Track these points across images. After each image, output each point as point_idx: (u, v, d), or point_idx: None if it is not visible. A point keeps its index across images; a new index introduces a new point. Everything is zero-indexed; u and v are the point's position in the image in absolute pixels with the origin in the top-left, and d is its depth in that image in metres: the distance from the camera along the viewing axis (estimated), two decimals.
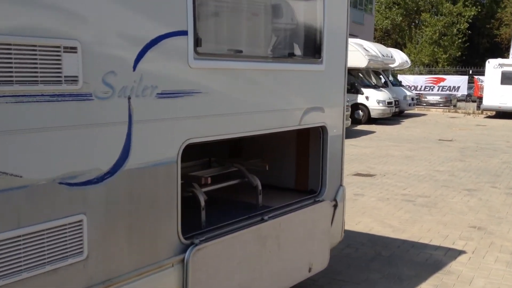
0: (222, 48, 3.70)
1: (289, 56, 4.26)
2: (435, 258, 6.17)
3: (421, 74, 40.53)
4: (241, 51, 3.74)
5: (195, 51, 3.35)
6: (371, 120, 22.09)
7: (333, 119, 4.83)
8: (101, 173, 2.86)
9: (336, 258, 6.01)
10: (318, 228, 4.62)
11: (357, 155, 13.78)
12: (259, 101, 3.92)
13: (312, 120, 4.54)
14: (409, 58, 31.19)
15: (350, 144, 15.62)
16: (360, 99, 22.06)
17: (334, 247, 5.22)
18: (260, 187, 4.40)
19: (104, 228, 2.90)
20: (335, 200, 4.96)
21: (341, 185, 5.05)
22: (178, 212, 3.35)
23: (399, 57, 27.23)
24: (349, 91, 21.97)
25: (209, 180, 3.89)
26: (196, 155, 4.72)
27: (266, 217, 4.08)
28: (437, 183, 10.50)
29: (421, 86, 34.02)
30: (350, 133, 18.18)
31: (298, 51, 4.41)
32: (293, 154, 5.10)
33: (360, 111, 22.03)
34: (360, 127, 20.64)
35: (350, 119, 18.19)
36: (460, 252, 6.38)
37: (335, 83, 4.81)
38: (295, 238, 4.35)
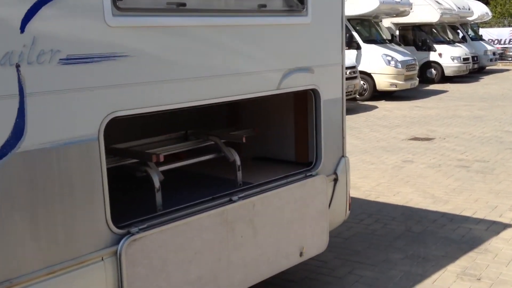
0: (156, 1, 3.12)
1: (259, 7, 3.61)
2: (474, 234, 5.37)
3: (510, 26, 37.53)
4: (184, 4, 3.15)
5: (114, 6, 2.81)
6: (446, 79, 20.62)
7: (327, 81, 4.16)
8: None
9: (358, 236, 5.40)
10: (310, 206, 4.01)
11: (419, 118, 12.76)
12: (213, 63, 3.33)
13: (296, 83, 3.90)
14: (496, 10, 28.56)
15: (415, 106, 14.57)
16: (433, 56, 20.61)
17: (341, 226, 4.61)
18: (238, 162, 3.84)
19: None
20: (335, 173, 4.31)
21: (343, 156, 4.39)
22: (105, 197, 2.87)
23: (478, 9, 25.20)
24: (419, 48, 20.63)
25: (162, 158, 3.38)
26: (186, 127, 4.23)
27: (235, 198, 3.54)
28: (502, 145, 9.43)
29: (506, 40, 31.46)
30: (417, 94, 17.02)
31: (272, 1, 3.75)
32: (292, 123, 4.49)
33: (432, 69, 20.60)
34: (431, 87, 19.30)
35: (417, 79, 16.96)
36: (505, 227, 5.53)
37: (327, 39, 4.12)
38: (277, 219, 3.77)
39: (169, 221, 3.16)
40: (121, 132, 3.74)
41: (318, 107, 4.13)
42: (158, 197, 3.33)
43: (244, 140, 3.97)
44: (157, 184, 3.34)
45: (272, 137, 4.60)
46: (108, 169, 3.58)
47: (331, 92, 4.20)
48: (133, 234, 2.96)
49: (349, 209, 4.49)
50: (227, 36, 3.41)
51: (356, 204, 6.28)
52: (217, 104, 3.44)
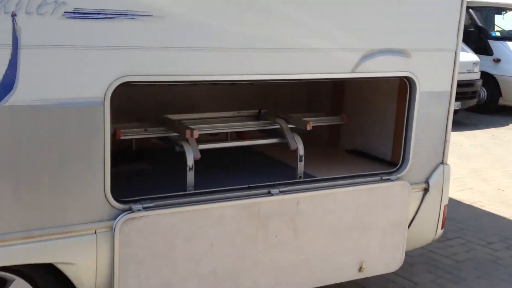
0: None
1: None
2: None
3: None
4: None
5: None
6: None
7: (430, 70, 3.41)
8: None
9: (474, 261, 4.57)
10: (380, 216, 3.37)
11: None
12: (263, 34, 2.85)
13: (381, 68, 3.23)
14: None
15: None
16: None
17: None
18: (301, 152, 3.34)
19: None
20: (426, 182, 3.57)
21: (442, 163, 3.61)
22: (106, 167, 2.63)
23: None
24: None
25: (196, 134, 3.03)
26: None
27: (274, 191, 3.07)
28: None
29: None
30: None
31: None
32: (393, 116, 3.80)
33: None
34: None
35: None
36: None
37: (436, 15, 3.34)
38: (330, 224, 3.22)
39: (182, 204, 2.83)
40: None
41: (412, 99, 3.41)
42: (190, 176, 3.01)
43: (309, 127, 3.44)
44: (190, 162, 3.01)
45: (370, 130, 3.98)
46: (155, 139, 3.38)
47: (434, 83, 3.44)
48: (132, 211, 2.69)
49: (442, 228, 3.72)
50: (285, 3, 2.89)
51: (493, 223, 5.35)
52: (263, 82, 2.97)
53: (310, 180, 3.25)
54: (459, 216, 5.53)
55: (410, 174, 3.48)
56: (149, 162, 3.55)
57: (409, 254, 4.55)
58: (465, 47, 10.01)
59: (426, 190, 3.57)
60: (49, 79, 2.44)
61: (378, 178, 3.40)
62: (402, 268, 4.29)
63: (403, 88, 3.53)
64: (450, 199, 5.90)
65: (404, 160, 3.48)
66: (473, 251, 4.73)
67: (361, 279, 4.08)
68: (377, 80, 3.80)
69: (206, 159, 3.50)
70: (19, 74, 2.38)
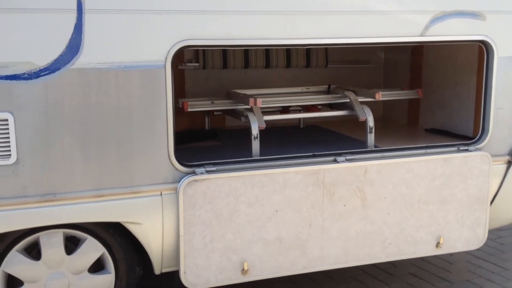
0: None
1: None
2: None
3: None
4: None
5: None
6: None
7: (508, 33, 3.21)
8: (35, 68, 2.48)
9: None
10: (459, 189, 3.19)
11: None
12: None
13: (453, 31, 3.09)
14: None
15: None
16: None
17: None
18: (371, 123, 3.26)
19: (41, 133, 2.52)
20: (510, 154, 3.34)
21: None
22: (169, 130, 2.70)
23: None
24: None
25: (259, 103, 3.04)
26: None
27: (341, 158, 3.00)
28: None
29: None
30: None
31: None
32: (473, 89, 3.62)
33: None
34: None
35: None
36: None
37: None
38: (403, 195, 3.09)
39: (244, 169, 2.84)
40: None
41: (490, 66, 3.23)
42: (255, 145, 3.02)
43: (378, 97, 3.34)
44: (255, 131, 3.02)
45: (449, 106, 3.80)
46: (224, 111, 3.44)
47: None
48: (195, 174, 2.74)
49: None
50: None
51: None
52: (328, 46, 2.94)
53: (379, 150, 3.15)
54: None
55: (491, 145, 3.28)
56: (221, 141, 3.61)
57: (500, 241, 4.28)
58: None
59: (510, 163, 3.34)
60: (112, 42, 2.56)
61: (455, 148, 3.23)
62: (492, 254, 4.06)
63: (482, 59, 3.35)
64: None
65: (484, 130, 3.29)
66: None
67: (446, 260, 3.91)
68: (455, 52, 3.64)
69: (277, 136, 3.51)
70: (84, 38, 2.52)
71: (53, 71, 2.50)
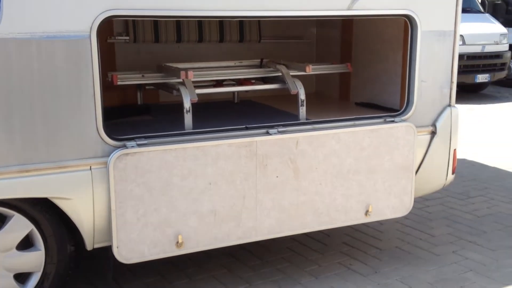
0: None
1: None
2: None
3: None
4: None
5: None
6: None
7: (431, 7, 3.32)
8: None
9: (502, 217, 4.39)
10: (386, 159, 3.30)
11: None
12: None
13: (378, 5, 3.18)
14: None
15: None
16: None
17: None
18: (302, 96, 3.31)
19: None
20: (433, 125, 3.48)
21: (449, 105, 3.51)
22: (97, 103, 2.65)
23: None
24: None
25: (191, 75, 3.03)
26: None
27: (273, 131, 3.04)
28: None
29: None
30: None
31: None
32: (399, 63, 3.73)
33: None
34: None
35: None
36: None
37: None
38: (333, 166, 3.17)
39: (176, 142, 2.83)
40: None
41: (413, 39, 3.34)
42: (187, 119, 3.02)
43: (309, 70, 3.40)
44: (187, 104, 3.01)
45: (378, 81, 3.91)
46: (156, 85, 3.40)
47: (436, 22, 3.36)
48: (126, 148, 2.71)
49: (453, 173, 3.62)
50: None
51: None
52: (248, 18, 2.95)
53: (310, 122, 3.21)
54: (484, 176, 5.38)
55: (415, 117, 3.41)
56: (154, 116, 3.58)
57: (427, 210, 4.46)
58: (492, 19, 9.83)
59: (433, 133, 3.48)
60: (34, 11, 2.48)
61: (381, 120, 3.34)
62: (419, 222, 4.23)
63: (407, 33, 3.45)
64: (477, 162, 5.77)
65: (409, 102, 3.41)
66: (495, 207, 4.58)
67: (376, 229, 4.04)
68: (383, 28, 3.73)
69: (211, 110, 3.51)
70: (2, 6, 2.42)
71: None
